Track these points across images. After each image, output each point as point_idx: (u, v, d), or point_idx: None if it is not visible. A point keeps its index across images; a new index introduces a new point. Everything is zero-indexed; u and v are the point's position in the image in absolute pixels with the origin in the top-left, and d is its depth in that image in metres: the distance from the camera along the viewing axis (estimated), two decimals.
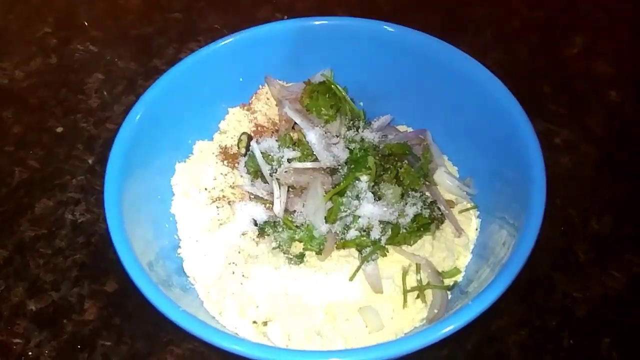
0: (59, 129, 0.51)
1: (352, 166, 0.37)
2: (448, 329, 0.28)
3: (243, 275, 0.36)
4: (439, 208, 0.38)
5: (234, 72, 0.43)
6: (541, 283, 0.41)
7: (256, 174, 0.41)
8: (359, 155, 0.38)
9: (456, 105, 0.41)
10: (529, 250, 0.31)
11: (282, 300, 0.35)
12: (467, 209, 0.40)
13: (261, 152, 0.40)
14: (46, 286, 0.41)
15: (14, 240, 0.44)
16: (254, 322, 0.35)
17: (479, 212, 0.40)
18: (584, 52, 0.56)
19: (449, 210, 0.39)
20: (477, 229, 0.39)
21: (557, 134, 0.49)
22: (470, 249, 0.38)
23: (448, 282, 0.36)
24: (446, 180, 0.40)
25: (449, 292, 0.36)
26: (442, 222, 0.38)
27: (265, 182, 0.40)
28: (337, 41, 0.43)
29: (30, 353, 0.38)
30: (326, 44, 0.43)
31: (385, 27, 0.42)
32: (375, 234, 0.36)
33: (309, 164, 0.39)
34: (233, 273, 0.36)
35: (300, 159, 0.39)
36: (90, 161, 0.49)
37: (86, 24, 0.61)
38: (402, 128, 0.45)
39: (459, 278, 0.37)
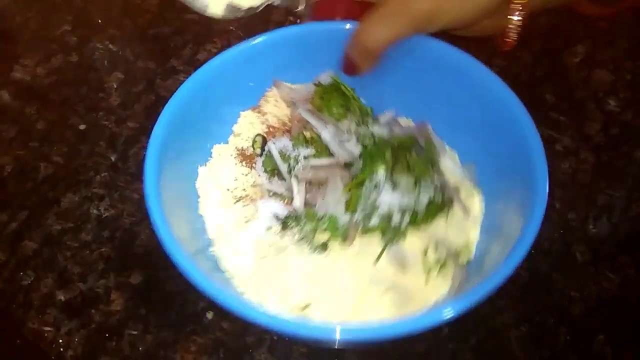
0: (82, 126, 0.53)
1: (368, 159, 0.40)
2: (478, 296, 0.31)
3: (277, 266, 0.38)
4: (447, 192, 0.41)
5: (245, 77, 0.45)
6: (541, 283, 0.43)
7: (273, 172, 0.43)
8: (373, 149, 0.40)
9: (453, 99, 0.44)
10: (539, 224, 0.34)
11: (316, 285, 0.38)
12: (472, 193, 0.43)
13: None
14: (74, 277, 0.44)
15: (42, 233, 0.46)
16: (295, 308, 0.37)
17: (483, 196, 0.42)
18: (585, 61, 0.58)
19: (456, 193, 0.42)
20: (482, 210, 0.42)
21: (559, 140, 0.51)
22: (478, 228, 0.41)
23: (463, 258, 0.39)
24: (450, 167, 0.43)
25: (465, 266, 0.39)
26: (452, 205, 0.41)
27: (283, 179, 0.42)
28: (339, 44, 0.44)
29: (60, 341, 0.41)
30: (328, 47, 0.45)
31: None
32: (396, 219, 0.39)
33: (325, 160, 0.41)
34: (267, 265, 0.39)
35: (315, 156, 0.42)
36: (112, 158, 0.51)
37: (104, 23, 0.63)
38: (403, 121, 0.47)
39: (472, 254, 0.40)
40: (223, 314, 0.42)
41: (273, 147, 0.42)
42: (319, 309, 0.37)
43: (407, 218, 0.39)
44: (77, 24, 0.62)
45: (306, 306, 0.37)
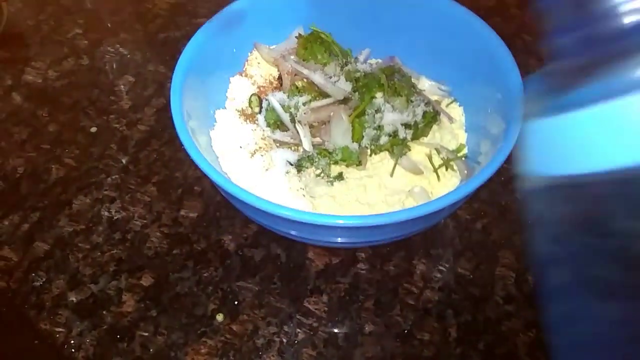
0: (93, 129, 0.54)
1: (365, 89, 0.45)
2: (486, 175, 0.36)
3: (309, 196, 0.43)
4: (433, 106, 0.47)
5: (228, 44, 0.48)
6: None
7: (275, 124, 0.46)
8: (365, 80, 0.45)
9: (419, 32, 0.49)
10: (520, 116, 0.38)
11: (344, 207, 0.42)
12: (450, 102, 0.49)
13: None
14: (85, 279, 0.44)
15: (54, 234, 0.46)
16: None
17: (459, 103, 0.49)
18: None
19: (439, 105, 0.48)
20: (463, 115, 0.49)
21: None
22: (463, 129, 0.48)
23: (460, 154, 0.46)
24: (427, 87, 0.49)
25: (465, 160, 0.45)
26: (439, 116, 0.47)
27: (285, 129, 0.46)
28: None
29: (72, 342, 0.41)
30: (298, 4, 0.50)
31: None
32: (402, 134, 0.44)
33: (323, 101, 0.45)
34: (302, 196, 0.42)
35: (311, 101, 0.45)
36: (123, 161, 0.51)
37: (115, 26, 0.63)
38: (372, 62, 0.52)
39: (465, 150, 0.46)
40: (233, 316, 0.42)
41: (273, 99, 0.45)
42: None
43: (410, 131, 0.45)
44: (88, 28, 0.63)
45: None
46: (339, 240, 0.39)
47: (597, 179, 0.20)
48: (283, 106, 0.45)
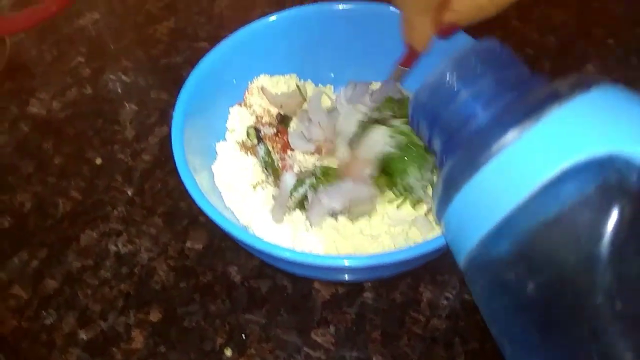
0: (98, 161, 0.54)
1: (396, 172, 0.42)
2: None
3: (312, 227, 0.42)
4: None
5: (228, 75, 0.48)
6: None
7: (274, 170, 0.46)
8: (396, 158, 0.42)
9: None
10: None
11: (352, 239, 0.42)
12: None
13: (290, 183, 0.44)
14: (95, 316, 0.45)
15: (62, 271, 0.47)
16: None
17: None
18: None
19: None
20: None
21: None
22: None
23: None
24: None
25: None
26: None
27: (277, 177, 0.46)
28: (306, 29, 0.49)
29: None
30: (298, 35, 0.49)
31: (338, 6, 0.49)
32: (419, 192, 0.42)
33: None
34: (305, 230, 0.42)
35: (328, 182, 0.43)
36: (129, 193, 0.52)
37: (117, 53, 0.63)
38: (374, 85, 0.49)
39: None
40: (241, 350, 0.42)
41: (288, 182, 0.44)
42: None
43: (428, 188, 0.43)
44: (91, 56, 0.63)
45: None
46: (345, 277, 0.39)
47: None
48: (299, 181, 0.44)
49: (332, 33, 0.49)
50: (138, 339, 0.43)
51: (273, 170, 0.46)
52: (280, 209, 0.43)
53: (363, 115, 0.44)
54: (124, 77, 0.61)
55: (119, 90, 0.60)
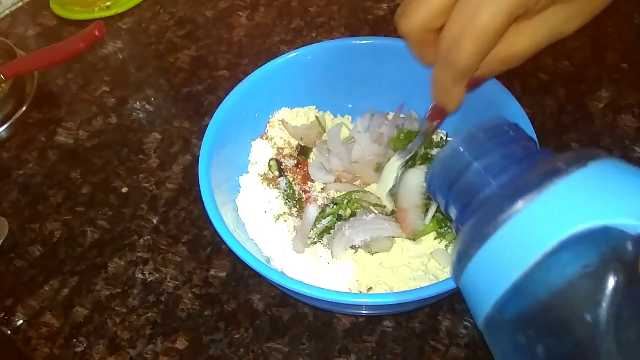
0: (124, 190, 0.56)
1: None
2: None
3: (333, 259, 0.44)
4: None
5: (251, 110, 0.50)
6: None
7: (297, 201, 0.48)
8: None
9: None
10: None
11: (371, 270, 0.43)
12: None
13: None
14: (124, 344, 0.46)
15: (92, 299, 0.49)
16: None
17: None
18: (610, 106, 0.59)
19: None
20: None
21: None
22: None
23: None
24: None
25: None
26: None
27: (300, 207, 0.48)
28: (327, 64, 0.51)
29: None
30: (315, 69, 0.51)
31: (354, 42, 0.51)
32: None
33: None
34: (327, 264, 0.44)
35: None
36: (155, 221, 0.53)
37: (140, 83, 0.66)
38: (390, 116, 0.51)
39: None
40: None
41: (312, 213, 0.45)
42: (381, 288, 0.42)
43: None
44: (115, 85, 0.66)
45: (369, 289, 0.42)
46: (364, 312, 0.40)
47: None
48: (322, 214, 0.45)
49: (349, 66, 0.51)
50: None
51: (297, 202, 0.47)
52: (302, 240, 0.45)
53: (400, 162, 0.44)
54: (147, 106, 0.63)
55: (143, 120, 0.62)
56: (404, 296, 0.35)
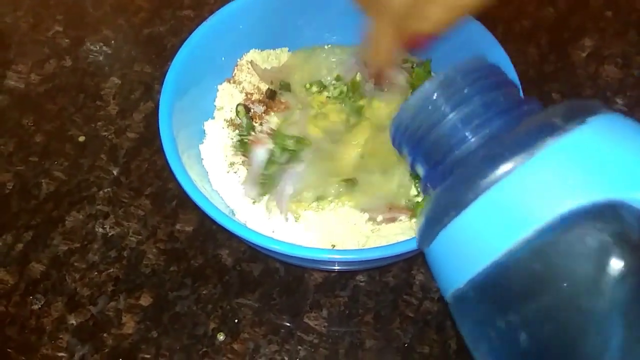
0: (81, 138, 0.52)
1: None
2: None
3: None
4: None
5: (217, 52, 0.47)
6: None
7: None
8: None
9: None
10: None
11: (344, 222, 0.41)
12: None
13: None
14: (84, 300, 0.44)
15: (49, 254, 0.46)
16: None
17: None
18: (593, 55, 0.57)
19: None
20: None
21: None
22: None
23: None
24: None
25: None
26: None
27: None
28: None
29: None
30: (292, 9, 0.48)
31: None
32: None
33: None
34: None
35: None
36: (115, 172, 0.50)
37: (96, 22, 0.60)
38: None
39: None
40: (234, 335, 0.42)
41: (260, 155, 0.43)
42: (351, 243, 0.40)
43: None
44: (69, 24, 0.60)
45: (333, 245, 0.40)
46: (336, 268, 0.39)
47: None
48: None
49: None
50: (129, 324, 0.43)
51: (242, 145, 0.44)
52: (252, 187, 0.42)
53: None
54: (104, 48, 0.58)
55: (101, 63, 0.57)
56: (371, 252, 0.33)
